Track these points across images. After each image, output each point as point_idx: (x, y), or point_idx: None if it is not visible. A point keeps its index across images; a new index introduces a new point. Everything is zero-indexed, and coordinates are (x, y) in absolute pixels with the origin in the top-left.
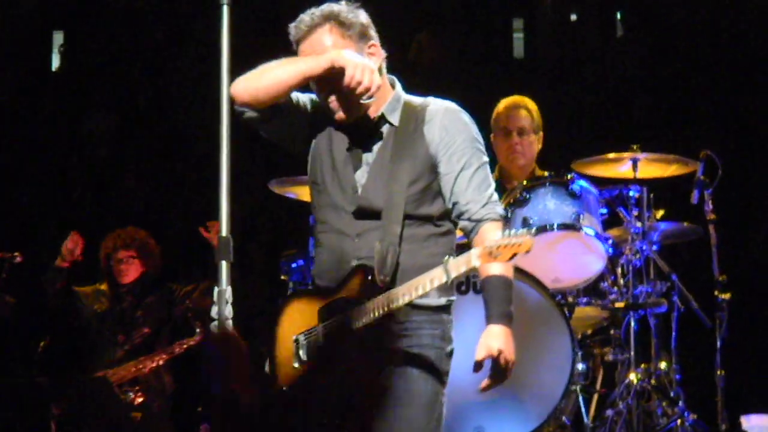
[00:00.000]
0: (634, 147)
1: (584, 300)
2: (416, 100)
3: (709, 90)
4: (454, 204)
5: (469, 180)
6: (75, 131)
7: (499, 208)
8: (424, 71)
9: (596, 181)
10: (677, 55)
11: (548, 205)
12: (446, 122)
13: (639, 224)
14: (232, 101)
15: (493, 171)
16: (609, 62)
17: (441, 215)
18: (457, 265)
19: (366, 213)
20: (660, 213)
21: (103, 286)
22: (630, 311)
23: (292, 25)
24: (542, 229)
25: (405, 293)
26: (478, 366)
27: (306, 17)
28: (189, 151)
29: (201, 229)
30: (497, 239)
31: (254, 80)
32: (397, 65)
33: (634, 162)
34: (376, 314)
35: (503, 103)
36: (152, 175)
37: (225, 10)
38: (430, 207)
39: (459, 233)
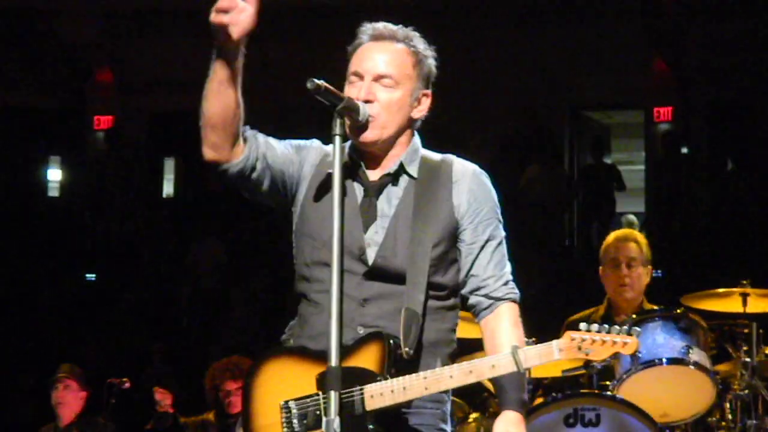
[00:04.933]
0: (744, 282)
1: None
2: (434, 155)
3: None
4: (472, 277)
5: (491, 254)
6: (183, 258)
7: (517, 290)
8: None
9: (706, 315)
10: None
11: (657, 339)
12: (474, 187)
13: (748, 359)
14: (216, 166)
15: (602, 303)
16: (719, 195)
17: (453, 287)
18: (533, 357)
19: (382, 275)
20: None
21: (210, 416)
22: None
23: (368, 24)
24: (651, 363)
25: (454, 376)
26: None
27: (389, 25)
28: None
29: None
30: (591, 332)
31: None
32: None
33: (744, 297)
34: (411, 394)
35: (613, 235)
36: (260, 304)
37: (337, 140)
38: (444, 276)
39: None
